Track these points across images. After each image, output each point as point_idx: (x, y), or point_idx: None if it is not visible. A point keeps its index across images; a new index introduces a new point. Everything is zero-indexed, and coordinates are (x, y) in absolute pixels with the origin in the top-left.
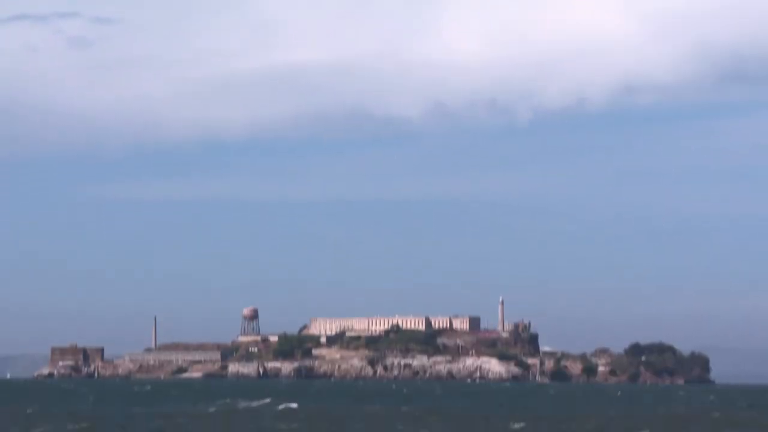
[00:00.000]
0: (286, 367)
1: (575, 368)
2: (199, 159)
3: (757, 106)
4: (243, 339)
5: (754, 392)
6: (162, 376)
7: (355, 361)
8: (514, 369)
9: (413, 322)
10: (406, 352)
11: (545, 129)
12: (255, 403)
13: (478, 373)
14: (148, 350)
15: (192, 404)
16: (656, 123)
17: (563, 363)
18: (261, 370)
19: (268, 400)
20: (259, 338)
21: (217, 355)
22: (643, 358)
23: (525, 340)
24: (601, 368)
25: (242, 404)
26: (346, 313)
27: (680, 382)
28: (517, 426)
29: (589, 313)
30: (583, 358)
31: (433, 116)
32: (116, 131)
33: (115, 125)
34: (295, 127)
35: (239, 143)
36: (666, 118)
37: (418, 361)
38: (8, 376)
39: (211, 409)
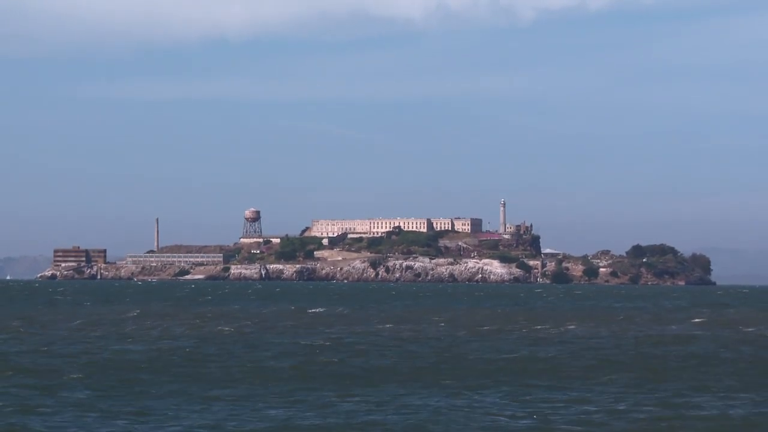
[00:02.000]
0: (288, 269)
1: (576, 270)
2: (202, 59)
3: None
4: (245, 241)
5: None
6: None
7: (357, 264)
8: (516, 271)
9: (415, 224)
10: (408, 254)
11: (547, 28)
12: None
13: (480, 275)
14: (150, 252)
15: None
16: (659, 21)
17: (565, 264)
18: (263, 272)
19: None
20: (261, 240)
21: (219, 257)
22: (645, 260)
23: (527, 241)
24: (602, 270)
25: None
26: (348, 214)
27: (681, 283)
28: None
29: (590, 214)
30: (584, 259)
31: (435, 16)
32: (117, 30)
33: (116, 24)
34: (298, 27)
35: (242, 43)
36: (669, 15)
37: (420, 263)
38: (8, 277)
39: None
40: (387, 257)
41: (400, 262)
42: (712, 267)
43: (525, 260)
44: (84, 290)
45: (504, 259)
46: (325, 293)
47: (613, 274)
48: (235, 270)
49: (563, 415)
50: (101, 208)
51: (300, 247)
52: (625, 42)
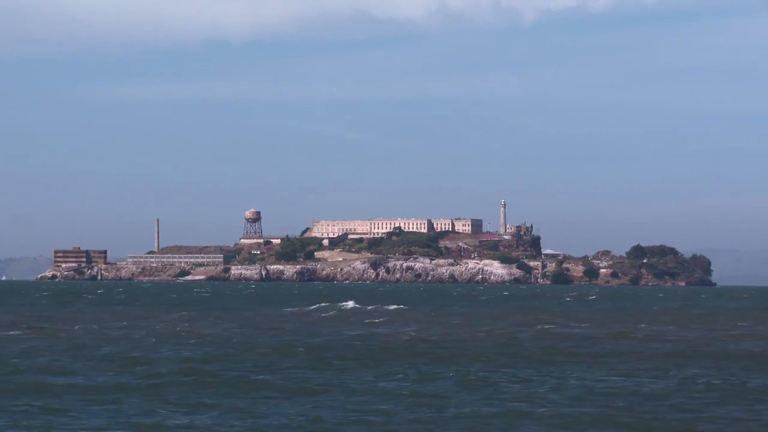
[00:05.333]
0: (289, 269)
1: (577, 270)
2: (202, 59)
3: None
4: (245, 241)
5: None
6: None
7: (358, 264)
8: (516, 271)
9: (415, 225)
10: (408, 254)
11: (549, 29)
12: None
13: (480, 276)
14: (151, 253)
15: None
16: (660, 22)
17: (565, 265)
18: (264, 273)
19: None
20: (261, 241)
21: (219, 258)
22: (645, 261)
23: (527, 242)
24: (602, 270)
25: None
26: (348, 215)
27: (682, 284)
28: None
29: (591, 215)
30: (585, 260)
31: (436, 17)
32: (118, 31)
33: (117, 25)
34: (298, 27)
35: (243, 44)
36: (670, 16)
37: (421, 263)
38: (3, 277)
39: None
40: (387, 258)
41: (401, 262)
42: (712, 268)
43: (525, 261)
44: (140, 293)
45: (504, 260)
46: (377, 294)
47: (614, 274)
48: (236, 271)
49: None
50: (101, 208)
51: (300, 247)
52: (626, 43)
